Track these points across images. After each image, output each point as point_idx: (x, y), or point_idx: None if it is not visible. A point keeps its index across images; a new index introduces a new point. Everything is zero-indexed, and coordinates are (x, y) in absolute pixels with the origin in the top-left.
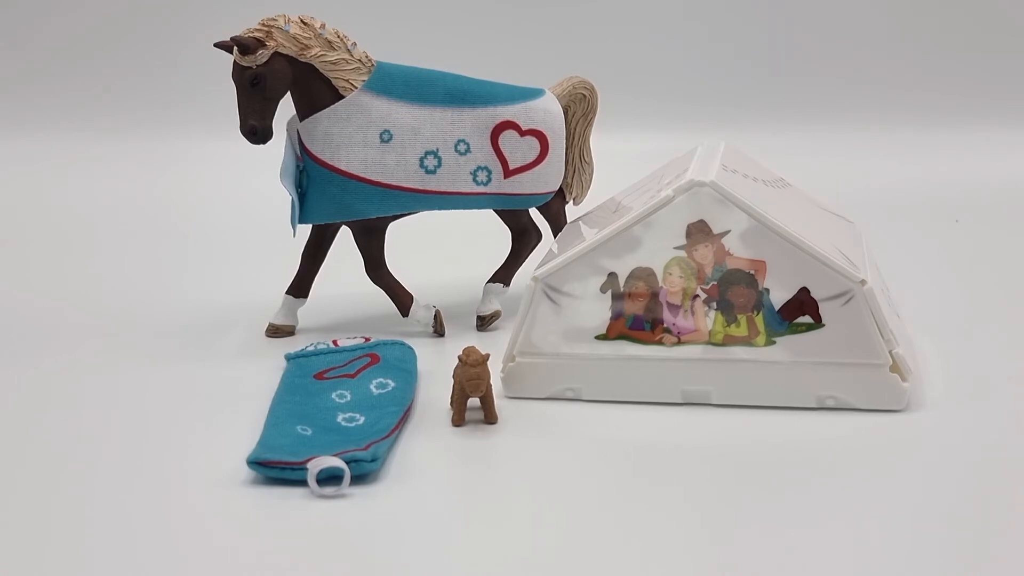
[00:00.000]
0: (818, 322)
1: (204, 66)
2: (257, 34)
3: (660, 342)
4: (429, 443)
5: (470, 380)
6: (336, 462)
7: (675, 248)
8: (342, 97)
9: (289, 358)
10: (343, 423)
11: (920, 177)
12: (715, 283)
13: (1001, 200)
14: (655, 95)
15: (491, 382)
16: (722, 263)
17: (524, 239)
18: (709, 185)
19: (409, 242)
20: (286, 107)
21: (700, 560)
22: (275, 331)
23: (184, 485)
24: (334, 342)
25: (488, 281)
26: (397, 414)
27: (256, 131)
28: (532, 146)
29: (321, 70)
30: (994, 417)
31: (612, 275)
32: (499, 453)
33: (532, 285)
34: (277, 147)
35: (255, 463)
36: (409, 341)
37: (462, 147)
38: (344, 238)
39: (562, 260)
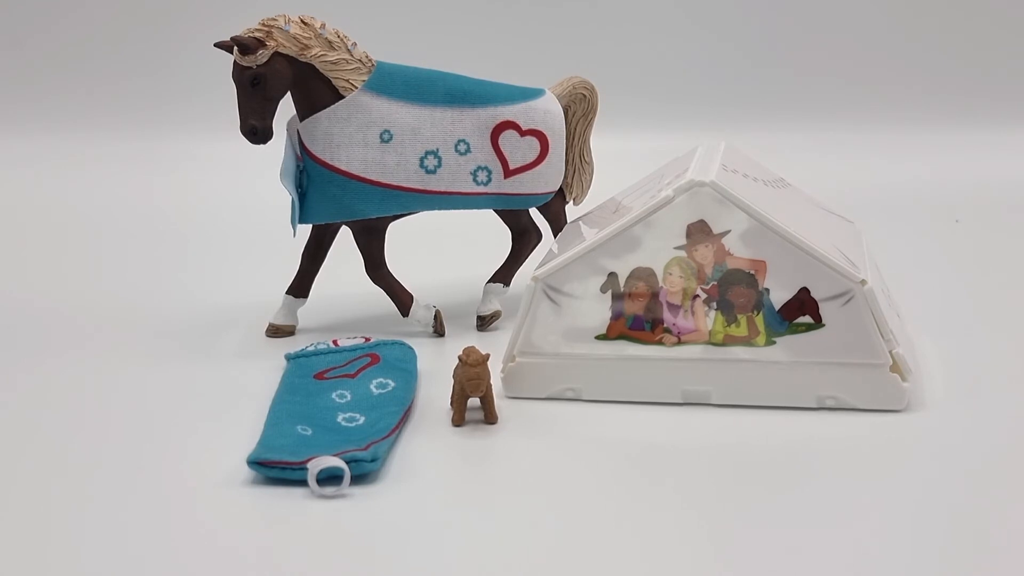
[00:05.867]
0: (818, 322)
1: (204, 66)
2: (257, 34)
3: (660, 342)
4: (429, 443)
5: (470, 380)
6: (336, 462)
7: (675, 248)
8: (342, 97)
9: (289, 358)
10: (343, 423)
11: (920, 177)
12: (715, 283)
13: (1001, 200)
14: (655, 95)
15: (491, 382)
16: (722, 263)
17: (524, 239)
18: (709, 185)
19: (409, 242)
20: (286, 107)
21: (700, 560)
22: (275, 331)
23: (184, 485)
24: (334, 342)
25: (488, 281)
26: (397, 414)
27: (256, 131)
28: (532, 146)
29: (321, 70)
30: (994, 417)
31: (612, 275)
32: (499, 453)
33: (532, 285)
34: (277, 147)
35: (255, 463)
36: (409, 341)
37: (462, 147)
38: (344, 238)
39: (562, 260)
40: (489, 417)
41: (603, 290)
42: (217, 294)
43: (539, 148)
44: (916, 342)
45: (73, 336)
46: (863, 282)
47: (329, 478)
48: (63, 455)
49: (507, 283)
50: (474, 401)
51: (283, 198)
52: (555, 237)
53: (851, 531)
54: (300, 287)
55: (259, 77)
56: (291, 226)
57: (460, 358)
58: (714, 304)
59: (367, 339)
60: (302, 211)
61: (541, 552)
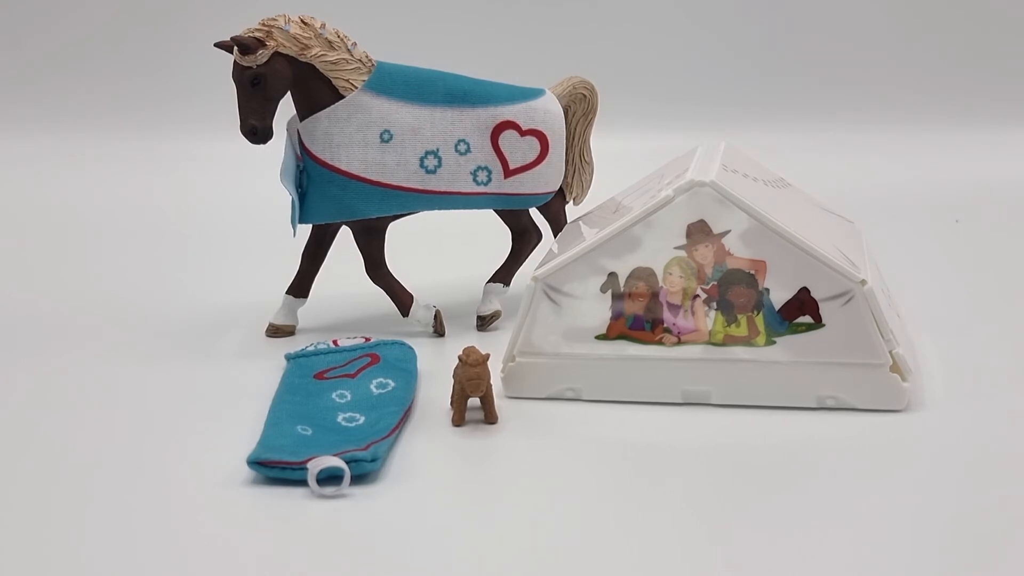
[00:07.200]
0: (818, 322)
1: (204, 66)
2: (257, 34)
3: (660, 342)
4: (429, 443)
5: (470, 380)
6: (336, 462)
7: (675, 248)
8: (342, 97)
9: (289, 358)
10: (343, 423)
11: (920, 177)
12: (715, 283)
13: (1001, 200)
14: (655, 95)
15: (491, 382)
16: (722, 263)
17: (524, 239)
18: (709, 185)
19: (409, 242)
20: (286, 107)
21: (700, 560)
22: (275, 331)
23: (184, 485)
24: (334, 342)
25: (488, 281)
26: (397, 414)
27: (256, 131)
28: (532, 146)
29: (321, 70)
30: (994, 417)
31: (612, 275)
32: (499, 453)
33: (532, 285)
34: (277, 147)
35: (255, 463)
36: (409, 341)
37: (462, 147)
38: (344, 238)
39: (562, 260)
40: (489, 417)
41: (603, 290)
42: (217, 294)
43: (539, 148)
44: (916, 342)
45: (73, 336)
46: (863, 282)
47: (329, 478)
48: (63, 455)
49: (507, 283)
50: (474, 401)
51: (283, 198)
52: (555, 237)
53: (851, 531)
54: (300, 287)
55: (259, 77)
56: (291, 226)
57: (460, 358)
58: (714, 304)
59: (367, 339)
60: (302, 211)
61: (541, 552)
